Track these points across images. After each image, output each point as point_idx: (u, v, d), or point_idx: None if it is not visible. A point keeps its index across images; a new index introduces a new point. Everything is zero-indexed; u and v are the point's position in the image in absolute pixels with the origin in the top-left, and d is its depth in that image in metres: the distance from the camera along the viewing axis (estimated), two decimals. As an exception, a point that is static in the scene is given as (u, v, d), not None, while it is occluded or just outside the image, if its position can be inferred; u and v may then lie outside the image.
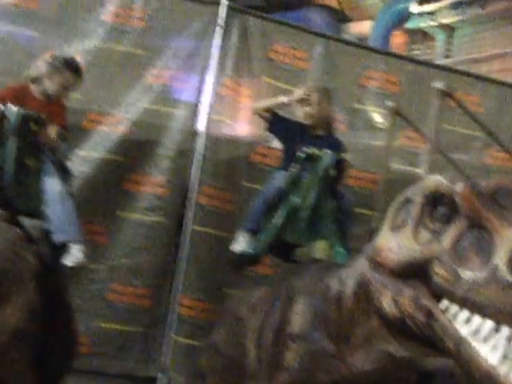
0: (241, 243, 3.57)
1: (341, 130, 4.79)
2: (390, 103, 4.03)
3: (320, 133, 3.85)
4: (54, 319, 2.49)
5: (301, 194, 3.53)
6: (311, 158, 3.55)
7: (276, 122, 3.90)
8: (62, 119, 3.33)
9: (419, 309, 1.84)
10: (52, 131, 3.18)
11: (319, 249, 3.54)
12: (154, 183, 4.64)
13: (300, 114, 3.87)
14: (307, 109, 3.79)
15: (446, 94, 3.72)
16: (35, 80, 3.39)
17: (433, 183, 1.92)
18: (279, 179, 3.64)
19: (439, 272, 1.77)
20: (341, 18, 8.44)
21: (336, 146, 3.76)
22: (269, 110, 3.89)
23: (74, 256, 2.97)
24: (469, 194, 1.80)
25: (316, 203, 3.52)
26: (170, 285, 4.62)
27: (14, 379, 2.10)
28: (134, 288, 4.61)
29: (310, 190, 3.53)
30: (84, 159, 4.48)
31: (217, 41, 4.76)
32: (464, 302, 1.70)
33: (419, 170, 3.90)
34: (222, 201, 4.68)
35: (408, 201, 2.00)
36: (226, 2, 4.79)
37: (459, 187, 1.84)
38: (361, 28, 8.49)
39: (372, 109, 5.22)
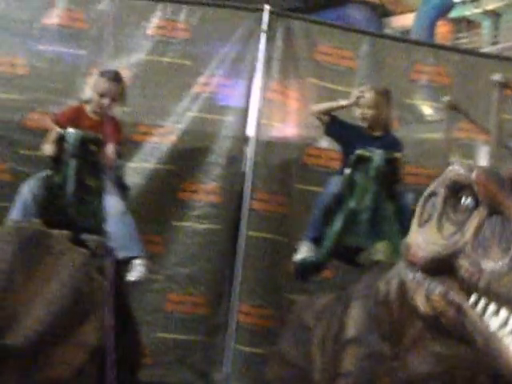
0: (304, 253, 3.59)
1: (393, 126, 4.78)
2: (445, 97, 3.99)
3: (378, 133, 3.84)
4: (121, 333, 2.53)
5: (357, 196, 3.53)
6: (362, 160, 3.55)
7: (334, 125, 3.90)
8: (118, 136, 3.41)
9: (449, 305, 1.80)
10: (110, 150, 3.24)
11: (379, 250, 3.52)
12: (206, 191, 4.68)
13: (357, 115, 3.86)
14: (363, 111, 3.78)
15: (505, 86, 3.66)
16: (87, 100, 3.47)
17: (452, 173, 1.88)
18: (334, 184, 3.66)
19: (463, 264, 1.74)
20: (382, 12, 8.38)
21: (393, 145, 3.74)
22: (327, 112, 3.90)
23: (137, 271, 3.05)
24: (484, 180, 1.76)
25: (373, 205, 3.51)
26: (228, 292, 4.64)
27: None
28: (191, 297, 4.65)
29: (365, 191, 3.52)
30: (136, 171, 4.55)
31: (262, 46, 4.78)
32: (487, 293, 1.66)
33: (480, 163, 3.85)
34: (275, 205, 4.68)
35: (433, 194, 1.97)
36: (268, 8, 4.82)
37: (474, 174, 1.80)
38: (403, 21, 8.41)
39: (423, 103, 5.16)
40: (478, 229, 1.73)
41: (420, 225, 1.97)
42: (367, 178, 3.52)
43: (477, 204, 1.79)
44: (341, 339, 2.51)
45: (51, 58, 4.77)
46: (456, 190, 1.86)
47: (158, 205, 4.62)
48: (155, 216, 4.55)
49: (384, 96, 3.85)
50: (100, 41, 4.77)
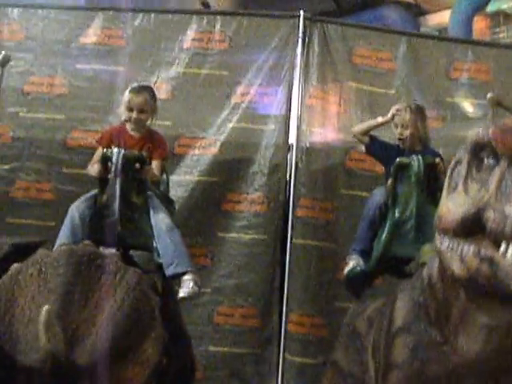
0: (353, 266, 3.58)
1: (435, 125, 4.72)
2: (489, 94, 3.93)
3: (417, 149, 3.83)
4: (175, 348, 2.54)
5: (400, 206, 3.53)
6: (402, 168, 3.55)
7: (374, 145, 3.95)
8: (162, 151, 3.43)
9: (482, 260, 1.83)
10: (154, 166, 3.28)
11: (426, 252, 3.48)
12: (251, 201, 4.68)
13: (396, 135, 3.89)
14: (401, 131, 3.81)
15: (498, 104, 3.66)
16: (126, 119, 3.50)
17: (473, 136, 1.96)
18: (378, 195, 3.68)
19: (490, 216, 1.79)
20: (417, 11, 8.33)
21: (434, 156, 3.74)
22: (367, 132, 3.94)
23: (186, 287, 3.04)
24: (500, 134, 1.83)
25: (417, 212, 3.50)
26: (278, 302, 4.61)
27: None
28: (241, 309, 4.63)
29: (409, 199, 3.52)
30: (179, 184, 4.58)
31: (299, 52, 4.79)
32: None
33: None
34: (321, 211, 4.66)
35: (458, 163, 2.04)
36: (304, 14, 4.83)
37: (491, 131, 1.88)
38: (439, 19, 8.34)
39: (464, 100, 5.09)
40: (500, 181, 1.82)
41: (449, 194, 2.04)
42: (409, 186, 3.53)
43: (497, 160, 1.87)
44: (389, 334, 2.49)
45: (90, 76, 4.85)
46: (477, 151, 1.96)
47: (203, 217, 4.64)
48: (201, 228, 4.58)
49: (419, 113, 3.87)
50: (137, 57, 4.89)
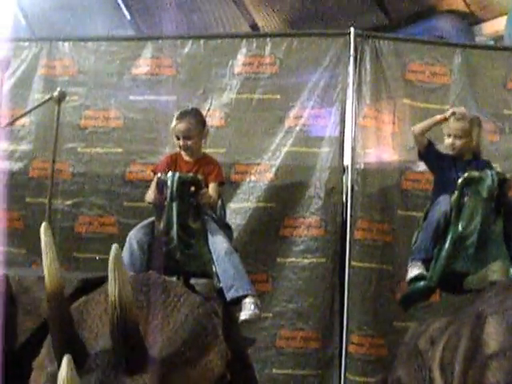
0: (415, 272, 3.60)
1: (492, 139, 4.75)
2: None
3: (468, 158, 3.87)
4: (238, 369, 2.65)
5: (464, 220, 3.55)
6: (472, 182, 3.56)
7: (430, 150, 3.95)
8: (217, 175, 3.48)
9: None
10: (210, 189, 3.34)
11: (495, 270, 3.51)
12: (308, 225, 4.77)
13: (446, 145, 3.91)
14: (453, 141, 3.83)
15: None
16: (178, 146, 3.60)
17: None
18: (444, 203, 3.66)
19: None
20: (471, 20, 8.24)
21: (487, 168, 3.76)
22: (426, 131, 3.96)
23: (248, 310, 3.10)
24: None
25: (481, 227, 3.51)
26: (338, 324, 4.70)
27: None
28: (302, 332, 4.73)
29: (474, 214, 3.53)
30: (237, 211, 4.71)
31: (351, 70, 4.85)
32: None
33: None
34: (378, 233, 4.72)
35: None
36: (354, 31, 4.88)
37: None
38: (495, 27, 8.24)
39: (524, 112, 5.08)
40: None
41: None
42: (478, 200, 3.54)
43: None
44: (479, 357, 2.55)
45: (143, 107, 5.03)
46: None
47: (262, 243, 4.75)
48: (260, 255, 4.69)
49: (474, 123, 3.88)
50: (189, 85, 5.03)
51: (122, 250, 4.06)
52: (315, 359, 4.75)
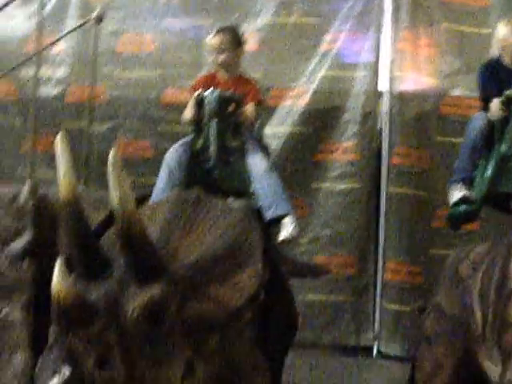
0: (458, 195, 3.49)
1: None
2: None
3: None
4: (276, 295, 2.63)
5: (508, 141, 3.41)
6: None
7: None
8: (255, 94, 3.36)
9: None
10: (249, 109, 3.23)
11: None
12: (344, 150, 4.72)
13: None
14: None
15: None
16: (213, 63, 3.51)
17: None
18: (479, 119, 3.53)
19: None
20: None
21: None
22: None
23: (287, 229, 3.01)
24: None
25: None
26: (374, 250, 4.70)
27: (242, 343, 2.26)
28: (337, 257, 4.74)
29: None
30: (273, 136, 4.62)
31: (389, -7, 4.70)
32: None
33: None
34: (416, 159, 4.65)
35: None
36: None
37: None
38: None
39: None
40: None
41: None
42: None
43: None
44: (505, 290, 2.51)
45: (178, 32, 4.96)
46: None
47: (297, 168, 4.72)
48: (295, 180, 4.63)
49: None
50: (224, 9, 4.93)
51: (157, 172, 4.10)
52: (350, 285, 4.76)
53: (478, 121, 3.55)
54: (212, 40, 3.37)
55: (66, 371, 1.69)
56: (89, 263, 1.84)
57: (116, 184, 1.83)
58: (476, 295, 2.76)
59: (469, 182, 3.50)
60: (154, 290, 1.81)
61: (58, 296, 1.70)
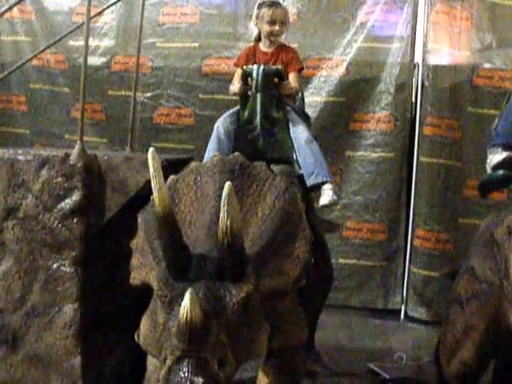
0: (497, 159, 3.38)
1: None
2: None
3: None
4: (318, 250, 2.64)
5: None
6: None
7: None
8: (297, 63, 3.35)
9: None
10: (291, 78, 3.24)
11: None
12: (377, 119, 4.67)
13: None
14: None
15: None
16: (258, 38, 3.50)
17: None
18: None
19: None
20: None
21: None
22: None
23: (328, 195, 3.06)
24: None
25: None
26: (405, 218, 4.65)
27: (291, 307, 2.28)
28: (368, 224, 4.72)
29: None
30: (308, 105, 4.50)
31: (424, -32, 4.58)
32: None
33: None
34: (448, 129, 4.55)
35: None
36: None
37: None
38: None
39: None
40: None
41: None
42: None
43: None
44: None
45: (218, 4, 4.95)
46: None
47: (332, 136, 4.68)
48: (329, 148, 4.53)
49: None
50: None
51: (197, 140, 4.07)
52: (380, 251, 4.74)
53: None
54: (277, 11, 3.34)
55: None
56: (184, 268, 1.90)
57: (228, 202, 1.83)
58: (510, 260, 2.71)
59: (509, 148, 3.39)
60: (248, 285, 1.89)
61: (190, 319, 1.73)
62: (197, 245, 2.03)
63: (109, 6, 4.19)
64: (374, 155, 4.67)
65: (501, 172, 3.31)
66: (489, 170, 3.34)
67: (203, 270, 1.91)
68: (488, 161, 3.37)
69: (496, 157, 3.33)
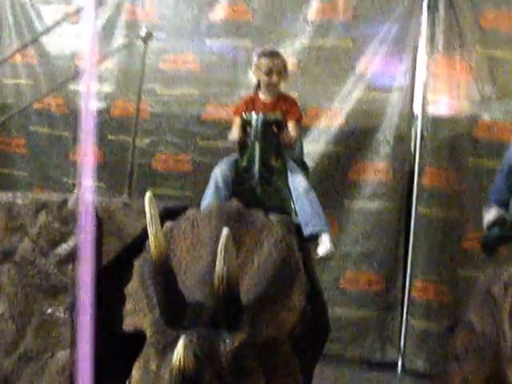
0: (491, 216, 3.45)
1: None
2: None
3: None
4: (314, 301, 2.66)
5: None
6: None
7: None
8: (296, 112, 3.42)
9: None
10: (290, 127, 3.31)
11: None
12: (376, 169, 4.74)
13: None
14: None
15: None
16: (257, 86, 3.58)
17: None
18: None
19: None
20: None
21: None
22: None
23: (325, 246, 3.12)
24: None
25: None
26: (402, 269, 4.69)
27: (286, 358, 2.29)
28: (366, 274, 4.75)
29: None
30: (307, 154, 4.58)
31: (424, 19, 4.71)
32: None
33: None
34: (447, 181, 4.62)
35: None
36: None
37: None
38: None
39: None
40: None
41: None
42: None
43: None
44: None
45: (219, 51, 5.05)
46: None
47: (330, 186, 4.75)
48: (328, 197, 4.62)
49: None
50: (263, 30, 4.99)
51: (195, 187, 4.12)
52: (378, 302, 4.76)
53: None
54: (274, 61, 3.42)
55: None
56: (178, 315, 1.93)
57: (224, 250, 1.87)
58: (507, 314, 2.74)
59: (504, 206, 3.47)
60: (243, 334, 1.92)
61: (182, 367, 1.76)
62: (192, 292, 2.05)
63: (112, 53, 4.29)
64: (372, 205, 4.74)
65: (496, 231, 3.39)
66: (485, 229, 3.43)
67: (198, 317, 1.93)
68: (484, 220, 3.45)
69: (489, 216, 3.42)
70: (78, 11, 4.01)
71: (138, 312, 2.16)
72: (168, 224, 2.46)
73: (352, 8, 4.89)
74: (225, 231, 1.86)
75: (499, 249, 3.95)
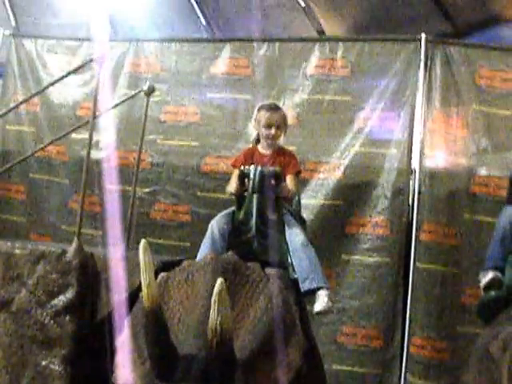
0: (485, 280, 3.49)
1: None
2: None
3: None
4: (311, 358, 2.66)
5: None
6: None
7: None
8: (295, 166, 3.49)
9: None
10: (289, 180, 3.36)
11: None
12: (374, 224, 4.78)
13: None
14: None
15: None
16: (256, 140, 3.65)
17: None
18: (509, 211, 3.54)
19: None
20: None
21: None
22: None
23: (322, 302, 3.08)
24: None
25: None
26: (400, 324, 4.67)
27: None
28: (363, 330, 4.73)
29: None
30: (305, 207, 4.67)
31: (421, 75, 4.84)
32: None
33: None
34: (444, 236, 4.66)
35: None
36: (425, 37, 4.87)
37: None
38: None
39: None
40: None
41: None
42: None
43: None
44: None
45: (219, 104, 5.17)
46: None
47: (328, 239, 4.77)
48: (326, 250, 4.66)
49: None
50: (263, 85, 5.11)
51: (194, 238, 4.14)
52: (376, 358, 4.73)
53: (507, 217, 3.55)
54: (273, 115, 3.50)
55: None
56: (169, 369, 1.93)
57: (218, 304, 1.89)
58: (505, 374, 2.74)
59: (499, 270, 3.49)
60: None
61: None
62: (185, 344, 2.03)
63: (115, 106, 4.39)
64: (371, 259, 4.76)
65: (492, 293, 3.41)
66: (482, 292, 3.44)
67: (189, 371, 1.92)
68: (481, 283, 3.48)
69: (485, 278, 3.45)
70: (85, 63, 4.10)
71: (128, 364, 2.16)
72: (163, 275, 2.47)
73: (350, 64, 5.03)
74: (219, 282, 1.87)
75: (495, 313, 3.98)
